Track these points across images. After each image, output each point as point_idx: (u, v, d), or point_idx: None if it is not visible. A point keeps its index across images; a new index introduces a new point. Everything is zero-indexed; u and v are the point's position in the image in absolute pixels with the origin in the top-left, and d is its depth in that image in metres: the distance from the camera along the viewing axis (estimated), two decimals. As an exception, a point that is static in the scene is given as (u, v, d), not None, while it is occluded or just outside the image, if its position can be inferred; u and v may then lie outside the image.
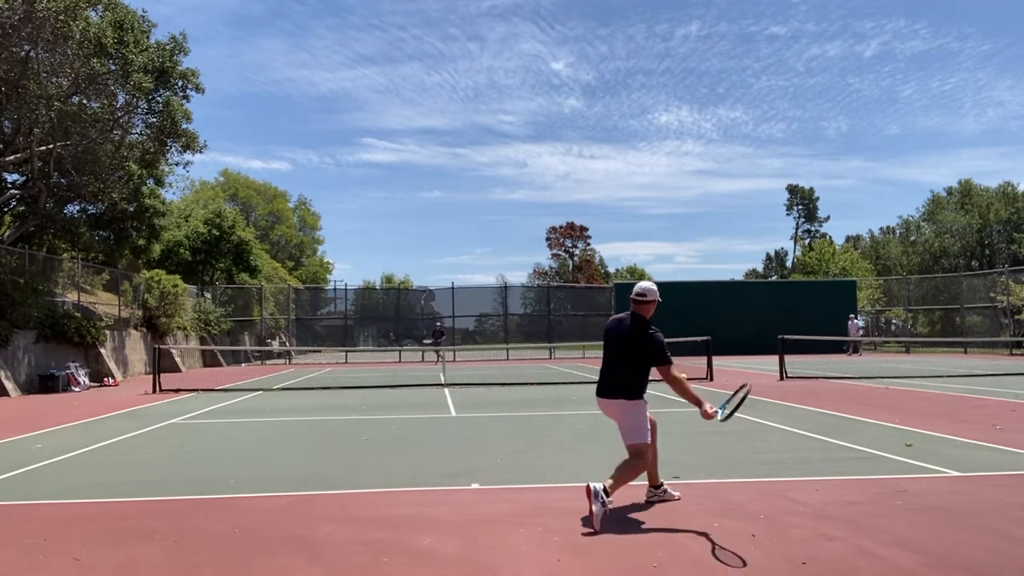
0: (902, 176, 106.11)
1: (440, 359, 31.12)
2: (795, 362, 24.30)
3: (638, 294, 5.49)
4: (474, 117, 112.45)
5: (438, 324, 33.22)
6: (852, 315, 31.17)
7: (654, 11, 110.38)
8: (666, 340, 5.34)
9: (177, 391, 16.94)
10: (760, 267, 77.64)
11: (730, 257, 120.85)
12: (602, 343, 5.59)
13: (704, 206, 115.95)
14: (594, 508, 4.83)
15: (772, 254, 77.23)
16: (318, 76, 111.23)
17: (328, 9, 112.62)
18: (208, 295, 33.19)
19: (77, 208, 25.24)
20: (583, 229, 74.05)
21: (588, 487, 4.92)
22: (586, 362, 30.38)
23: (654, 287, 5.53)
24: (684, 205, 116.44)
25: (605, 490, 4.92)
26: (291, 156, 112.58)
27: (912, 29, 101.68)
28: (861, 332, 30.26)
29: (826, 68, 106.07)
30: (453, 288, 36.73)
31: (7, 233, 22.89)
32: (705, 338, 18.95)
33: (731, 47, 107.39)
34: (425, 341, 33.59)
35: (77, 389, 18.60)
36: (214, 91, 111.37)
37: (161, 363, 17.87)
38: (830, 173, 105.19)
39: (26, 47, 17.98)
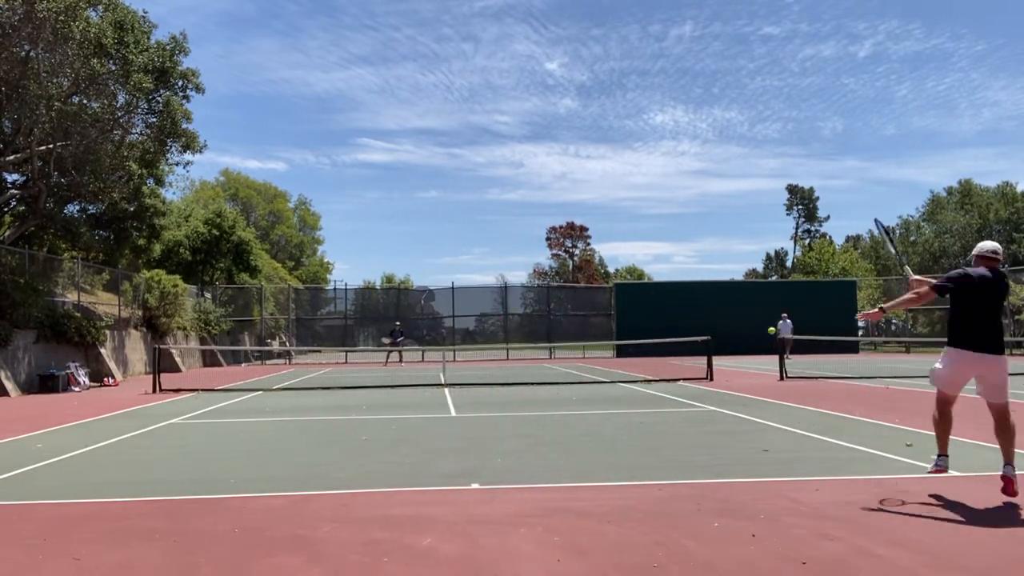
0: (899, 176, 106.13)
1: (396, 359, 30.92)
2: (795, 362, 24.30)
3: (993, 251, 5.98)
4: (469, 117, 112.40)
5: (396, 324, 33.12)
6: (784, 314, 29.02)
7: (647, 11, 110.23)
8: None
9: (177, 391, 16.93)
10: (760, 267, 77.62)
11: (729, 257, 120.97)
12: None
13: (702, 206, 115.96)
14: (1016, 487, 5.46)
15: (772, 254, 77.11)
16: (312, 76, 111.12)
17: (321, 9, 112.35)
18: (208, 295, 33.18)
19: (77, 208, 25.26)
20: (583, 229, 73.98)
21: (1006, 477, 5.48)
22: (586, 362, 30.38)
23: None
24: (682, 205, 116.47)
25: (1008, 465, 5.57)
26: (287, 156, 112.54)
27: (906, 30, 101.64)
28: (792, 331, 28.12)
29: (820, 68, 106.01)
30: (453, 288, 36.79)
31: (7, 233, 22.88)
32: (705, 338, 18.95)
33: (725, 47, 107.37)
34: (384, 340, 33.28)
35: (77, 389, 18.60)
36: (209, 91, 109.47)
37: (161, 363, 17.87)
38: (827, 173, 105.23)
39: (26, 47, 17.98)
